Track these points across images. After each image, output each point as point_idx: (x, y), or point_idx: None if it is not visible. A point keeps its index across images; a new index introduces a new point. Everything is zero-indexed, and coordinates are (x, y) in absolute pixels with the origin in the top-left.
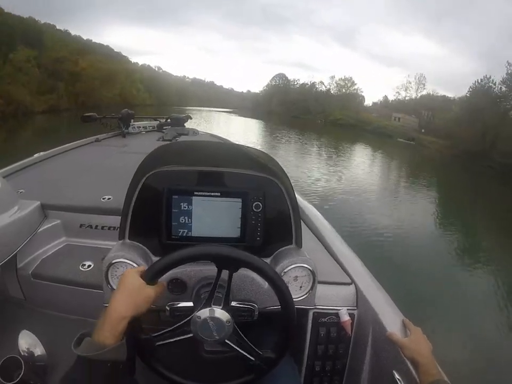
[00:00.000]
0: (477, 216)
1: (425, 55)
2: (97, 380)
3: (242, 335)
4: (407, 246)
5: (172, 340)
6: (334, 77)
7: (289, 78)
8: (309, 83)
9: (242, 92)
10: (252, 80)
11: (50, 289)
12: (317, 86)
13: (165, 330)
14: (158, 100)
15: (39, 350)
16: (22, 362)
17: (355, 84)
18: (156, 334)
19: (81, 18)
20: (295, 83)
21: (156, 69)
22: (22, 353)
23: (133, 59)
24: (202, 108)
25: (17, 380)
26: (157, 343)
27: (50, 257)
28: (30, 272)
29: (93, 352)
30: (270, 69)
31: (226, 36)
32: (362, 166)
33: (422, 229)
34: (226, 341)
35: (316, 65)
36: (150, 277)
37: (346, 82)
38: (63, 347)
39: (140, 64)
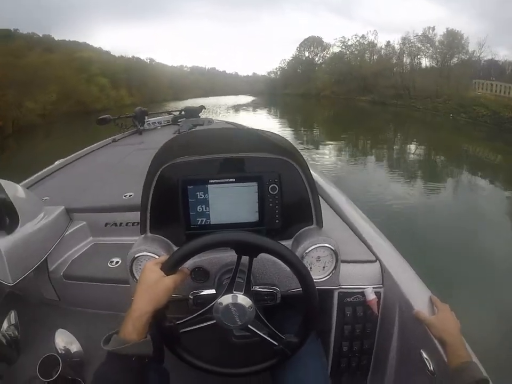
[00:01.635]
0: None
1: (427, 19)
2: (126, 373)
3: (265, 320)
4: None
5: (195, 327)
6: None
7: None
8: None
9: (248, 75)
10: (256, 62)
11: (82, 288)
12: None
13: (187, 318)
14: (146, 96)
15: (75, 347)
16: (60, 359)
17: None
18: (179, 322)
19: (66, 23)
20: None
21: (148, 61)
22: (59, 351)
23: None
24: (206, 99)
25: (56, 376)
26: (181, 330)
27: (79, 257)
28: (61, 274)
29: (119, 347)
30: (270, 49)
31: (218, 21)
32: None
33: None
34: (249, 326)
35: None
36: (169, 267)
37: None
38: (97, 342)
39: (119, 55)
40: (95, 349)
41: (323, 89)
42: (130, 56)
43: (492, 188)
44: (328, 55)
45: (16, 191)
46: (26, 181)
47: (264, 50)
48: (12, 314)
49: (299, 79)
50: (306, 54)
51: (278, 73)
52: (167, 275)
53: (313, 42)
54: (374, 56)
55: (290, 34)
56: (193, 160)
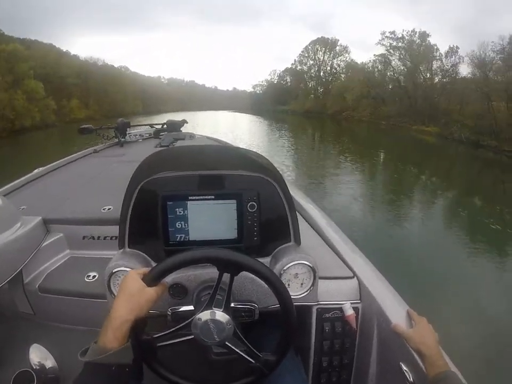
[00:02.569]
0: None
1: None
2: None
3: (242, 337)
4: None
5: (173, 341)
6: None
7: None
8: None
9: (228, 89)
10: (236, 77)
11: (58, 302)
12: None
13: (165, 332)
14: (107, 108)
15: (50, 363)
16: (34, 375)
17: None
18: (156, 335)
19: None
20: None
21: (122, 69)
22: (34, 367)
23: None
24: (181, 114)
25: None
26: (158, 344)
27: (55, 270)
28: (36, 286)
29: (98, 356)
30: (250, 65)
31: (199, 34)
32: None
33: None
34: (227, 343)
35: (292, 56)
36: (151, 279)
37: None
38: (73, 358)
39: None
40: (70, 365)
41: (342, 108)
42: (97, 61)
43: None
44: (343, 61)
45: None
46: (3, 188)
47: (244, 65)
48: None
49: (304, 92)
50: (311, 62)
51: (266, 86)
52: (149, 286)
53: (325, 44)
54: (434, 65)
55: (270, 52)
56: (173, 176)
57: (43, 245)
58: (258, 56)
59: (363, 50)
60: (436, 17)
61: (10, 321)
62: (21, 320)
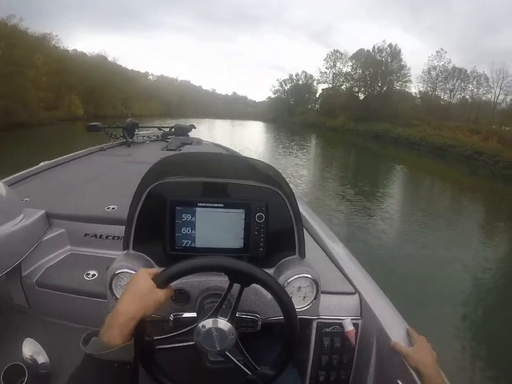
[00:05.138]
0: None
1: (403, 50)
2: (103, 381)
3: (242, 348)
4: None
5: (172, 345)
6: None
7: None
8: None
9: (227, 94)
10: (235, 82)
11: (55, 297)
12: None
13: (167, 335)
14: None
15: (42, 358)
16: (26, 369)
17: None
18: (157, 337)
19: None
20: None
21: (105, 58)
22: (26, 361)
23: None
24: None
25: None
26: (158, 346)
27: (54, 265)
28: (34, 280)
29: (101, 351)
30: (250, 71)
31: (197, 38)
32: None
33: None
34: (227, 352)
35: (292, 66)
36: (162, 280)
37: None
38: (66, 355)
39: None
40: (62, 362)
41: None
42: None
43: None
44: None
45: None
46: (8, 178)
47: (242, 71)
48: None
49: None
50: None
51: (287, 89)
52: (158, 288)
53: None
54: None
55: (269, 60)
56: (183, 181)
57: (44, 239)
58: (257, 63)
59: None
60: (438, 29)
61: (4, 313)
62: (15, 312)
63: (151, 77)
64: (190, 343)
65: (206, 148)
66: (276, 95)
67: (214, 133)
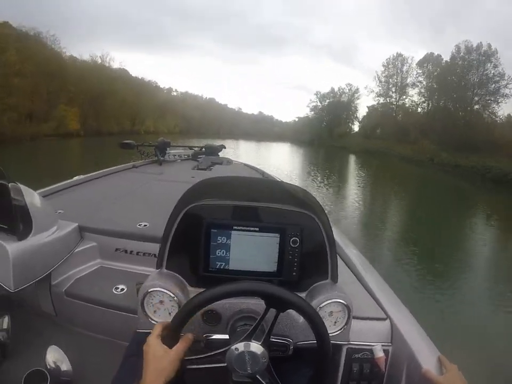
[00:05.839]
0: None
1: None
2: None
3: (274, 373)
4: None
5: (203, 366)
6: None
7: None
8: None
9: (253, 113)
10: (261, 102)
11: (82, 308)
12: None
13: (199, 356)
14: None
15: (65, 366)
16: (48, 376)
17: None
18: (188, 358)
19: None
20: None
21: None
22: (49, 367)
23: None
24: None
25: None
26: (188, 366)
27: (84, 277)
28: (63, 290)
29: None
30: (275, 92)
31: (222, 60)
32: None
33: None
34: (257, 376)
35: (315, 87)
36: (171, 337)
37: None
38: (89, 365)
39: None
40: (85, 371)
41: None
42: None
43: None
44: None
45: (33, 198)
46: (43, 190)
47: (269, 92)
48: (6, 319)
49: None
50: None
51: (325, 105)
52: (170, 346)
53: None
54: None
55: (293, 79)
56: (220, 204)
57: (75, 250)
58: (281, 83)
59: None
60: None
61: (32, 319)
62: (42, 320)
63: (175, 93)
64: (221, 364)
65: (235, 167)
66: (312, 112)
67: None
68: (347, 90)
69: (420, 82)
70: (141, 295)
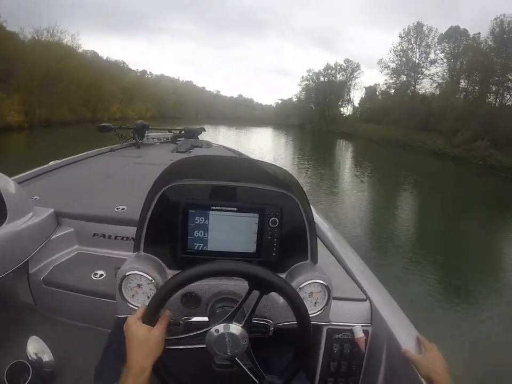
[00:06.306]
0: None
1: None
2: None
3: (252, 355)
4: None
5: (183, 347)
6: None
7: None
8: None
9: (232, 96)
10: (240, 85)
11: (61, 296)
12: None
13: (178, 337)
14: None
15: (47, 356)
16: (30, 367)
17: None
18: (168, 338)
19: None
20: None
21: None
22: (30, 359)
23: None
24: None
25: None
26: (167, 347)
27: (62, 264)
28: (41, 278)
29: None
30: (255, 75)
31: (203, 43)
32: None
33: None
34: (236, 358)
35: (296, 71)
36: (150, 316)
37: None
38: (71, 354)
39: None
40: (67, 360)
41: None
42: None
43: None
44: None
45: (7, 184)
46: (18, 176)
47: (249, 75)
48: None
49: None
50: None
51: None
52: (152, 324)
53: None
54: None
55: (275, 64)
56: (197, 184)
57: (52, 237)
58: (262, 67)
59: (367, 67)
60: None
61: (10, 310)
62: (21, 310)
63: (149, 75)
64: (201, 345)
65: (215, 150)
66: (304, 92)
67: None
68: (345, 67)
69: (444, 59)
70: (118, 279)
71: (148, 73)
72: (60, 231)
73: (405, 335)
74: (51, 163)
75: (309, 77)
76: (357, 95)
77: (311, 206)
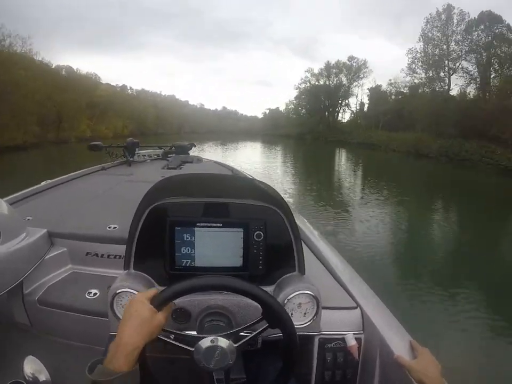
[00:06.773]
0: None
1: (386, 58)
2: None
3: (242, 367)
4: None
5: (170, 341)
6: None
7: None
8: None
9: (216, 109)
10: (224, 98)
11: (56, 316)
12: None
13: (172, 331)
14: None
15: (43, 376)
16: None
17: None
18: (158, 356)
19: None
20: None
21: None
22: (27, 378)
23: None
24: None
25: None
26: (158, 336)
27: (56, 284)
28: (36, 298)
29: (107, 377)
30: (237, 87)
31: (184, 57)
32: None
33: None
34: (223, 371)
35: (276, 81)
36: (160, 303)
37: None
38: (68, 373)
39: None
40: (64, 380)
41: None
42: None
43: None
44: None
45: None
46: (10, 197)
47: (231, 87)
48: None
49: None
50: None
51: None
52: (158, 310)
53: None
54: None
55: (256, 75)
56: (182, 202)
57: (46, 257)
58: (243, 79)
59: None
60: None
61: (6, 331)
62: (17, 331)
63: (129, 91)
64: (187, 357)
65: (206, 165)
66: (303, 96)
67: None
68: (348, 65)
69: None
70: (109, 297)
71: (129, 88)
72: (53, 251)
73: (398, 340)
74: (43, 183)
75: (307, 78)
76: (363, 98)
77: (301, 216)
